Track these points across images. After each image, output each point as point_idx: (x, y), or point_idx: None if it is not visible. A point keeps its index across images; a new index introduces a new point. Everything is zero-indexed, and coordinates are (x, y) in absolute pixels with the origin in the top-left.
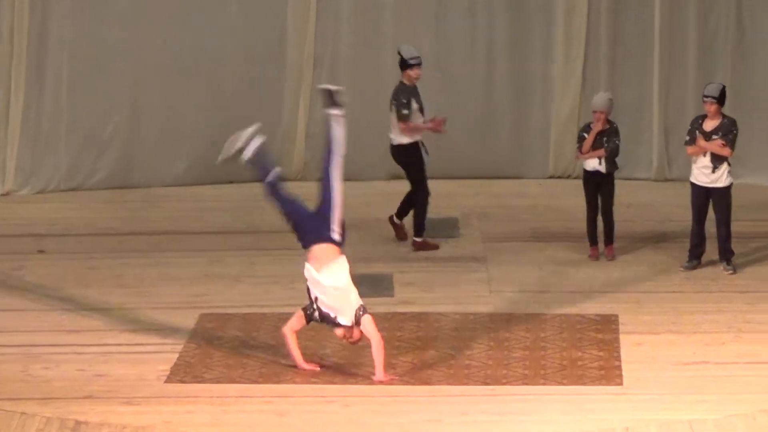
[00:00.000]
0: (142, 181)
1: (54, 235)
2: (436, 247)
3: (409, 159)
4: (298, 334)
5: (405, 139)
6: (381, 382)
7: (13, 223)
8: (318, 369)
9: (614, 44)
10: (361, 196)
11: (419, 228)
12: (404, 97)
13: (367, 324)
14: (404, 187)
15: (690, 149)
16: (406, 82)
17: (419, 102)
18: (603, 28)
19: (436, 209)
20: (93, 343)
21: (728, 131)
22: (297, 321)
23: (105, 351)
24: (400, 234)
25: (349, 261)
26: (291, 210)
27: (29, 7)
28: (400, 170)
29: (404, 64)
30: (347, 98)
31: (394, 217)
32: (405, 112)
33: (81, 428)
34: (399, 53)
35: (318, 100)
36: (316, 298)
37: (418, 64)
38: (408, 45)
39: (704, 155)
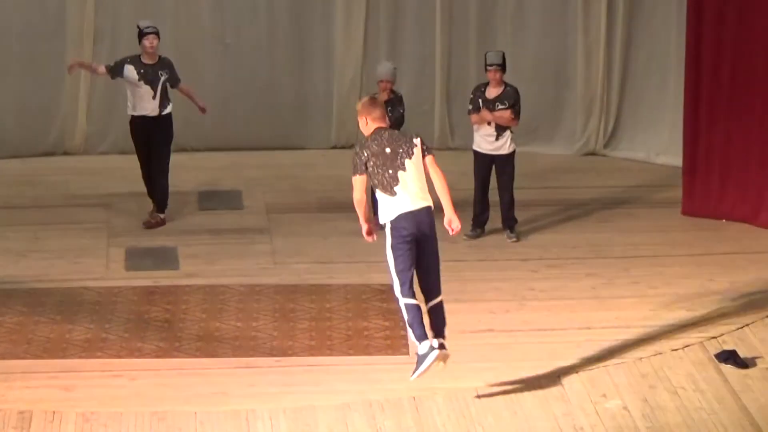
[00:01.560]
0: None
1: None
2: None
3: None
4: None
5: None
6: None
7: None
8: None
9: (395, 11)
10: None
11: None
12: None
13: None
14: (187, 159)
15: (474, 118)
16: (143, 56)
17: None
18: None
19: (219, 181)
20: None
21: (515, 101)
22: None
23: None
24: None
25: (132, 235)
26: None
27: None
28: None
29: (140, 34)
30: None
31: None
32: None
33: None
34: (137, 27)
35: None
36: None
37: (154, 33)
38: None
39: (488, 123)
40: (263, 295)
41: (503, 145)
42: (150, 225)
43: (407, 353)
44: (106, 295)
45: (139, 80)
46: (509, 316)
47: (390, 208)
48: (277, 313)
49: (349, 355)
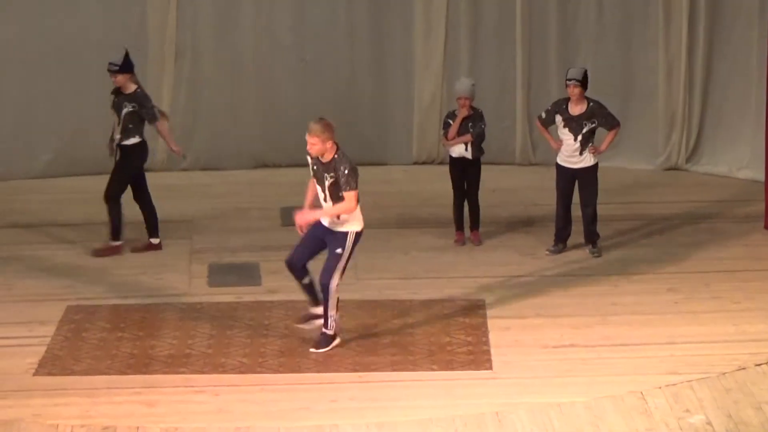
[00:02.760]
0: (4, 174)
1: None
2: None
3: None
4: None
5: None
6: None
7: None
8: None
9: (475, 26)
10: (225, 185)
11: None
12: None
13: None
14: (268, 175)
15: (538, 124)
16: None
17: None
18: (463, 12)
19: (301, 197)
20: None
21: (602, 112)
22: None
23: None
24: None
25: (214, 252)
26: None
27: None
28: (266, 158)
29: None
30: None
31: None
32: None
33: None
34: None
35: (180, 89)
36: None
37: (110, 71)
38: (121, 54)
39: (574, 140)
40: (345, 311)
41: (585, 159)
42: (100, 254)
43: (490, 368)
44: (188, 311)
45: (111, 108)
46: (591, 331)
47: (358, 219)
48: (359, 329)
49: (432, 370)
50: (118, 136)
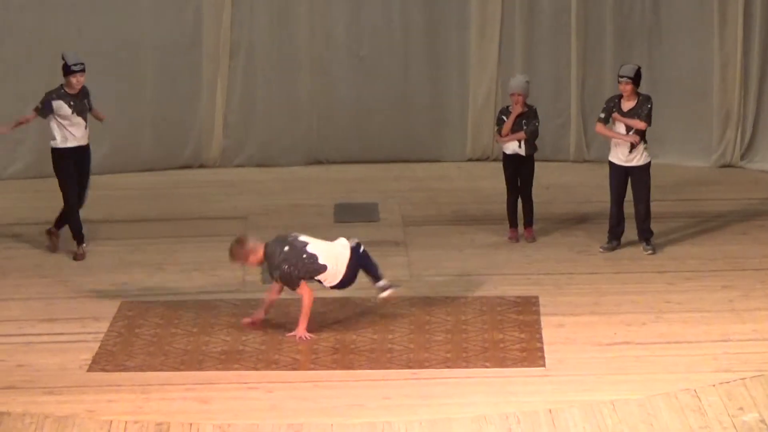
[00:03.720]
0: None
1: None
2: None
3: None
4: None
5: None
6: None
7: None
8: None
9: (530, 24)
10: (279, 182)
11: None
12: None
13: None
14: (323, 172)
15: (598, 127)
16: (67, 89)
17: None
18: (518, 9)
19: (355, 193)
20: (13, 333)
21: (643, 105)
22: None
23: (26, 341)
24: (54, 244)
25: None
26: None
27: None
28: (320, 154)
29: (67, 70)
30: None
31: (52, 228)
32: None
33: (3, 419)
34: (63, 58)
35: (235, 87)
36: None
37: (82, 71)
38: (73, 51)
39: (627, 132)
40: (399, 307)
41: (638, 157)
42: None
43: (543, 365)
44: (242, 308)
45: (72, 113)
46: (645, 329)
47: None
48: (412, 326)
49: (485, 367)
50: (85, 137)
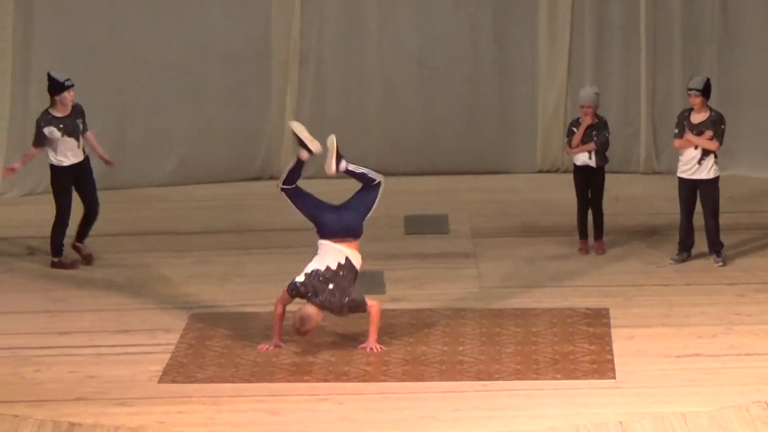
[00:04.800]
0: (130, 182)
1: (42, 237)
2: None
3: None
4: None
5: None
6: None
7: (1, 226)
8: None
9: (599, 35)
10: (349, 193)
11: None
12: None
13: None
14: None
15: (677, 143)
16: (54, 111)
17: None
18: (587, 20)
19: (425, 205)
20: (84, 345)
21: (717, 125)
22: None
23: (97, 352)
24: (85, 257)
25: None
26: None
27: (14, 6)
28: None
29: (60, 88)
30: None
31: (75, 242)
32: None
33: (74, 430)
34: (49, 78)
35: (305, 97)
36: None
37: (73, 85)
38: (55, 70)
39: (695, 148)
40: (469, 319)
41: (706, 170)
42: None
43: (614, 377)
44: None
45: (63, 136)
46: (716, 341)
47: None
48: (483, 337)
49: (556, 379)
50: (80, 154)
